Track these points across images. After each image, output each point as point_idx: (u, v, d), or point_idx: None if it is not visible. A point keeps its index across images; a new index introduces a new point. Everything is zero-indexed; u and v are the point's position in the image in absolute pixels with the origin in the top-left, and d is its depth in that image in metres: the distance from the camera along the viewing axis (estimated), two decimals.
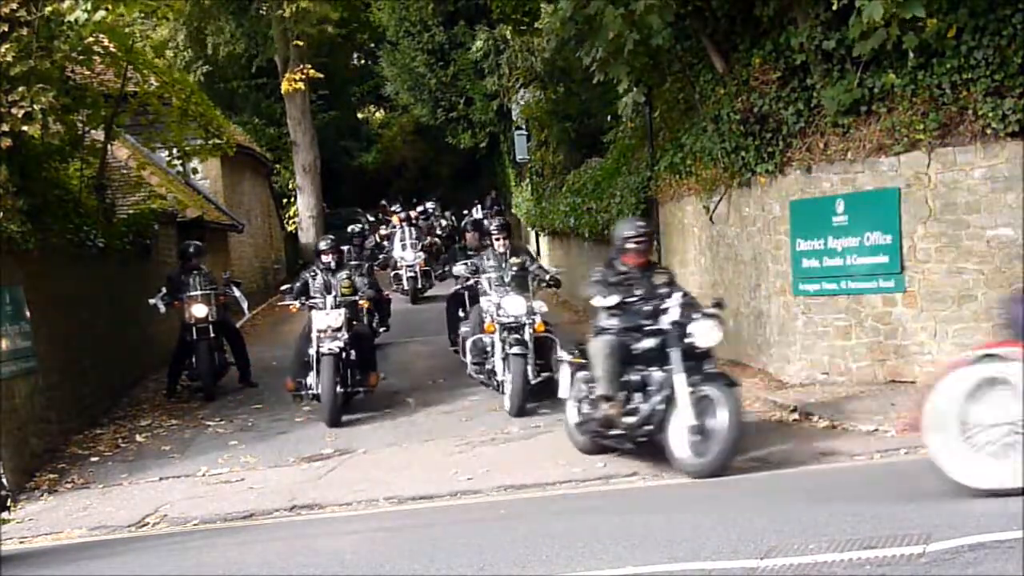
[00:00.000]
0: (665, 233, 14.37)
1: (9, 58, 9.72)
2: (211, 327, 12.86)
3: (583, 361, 8.72)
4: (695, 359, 7.99)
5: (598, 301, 8.45)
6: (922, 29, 8.97)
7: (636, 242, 8.61)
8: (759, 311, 11.51)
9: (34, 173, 10.94)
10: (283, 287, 12.15)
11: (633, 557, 5.28)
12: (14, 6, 9.91)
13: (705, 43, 11.83)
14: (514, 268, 11.40)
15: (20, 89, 9.75)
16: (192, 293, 12.93)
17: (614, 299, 8.38)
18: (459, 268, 12.37)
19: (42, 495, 9.28)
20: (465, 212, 31.11)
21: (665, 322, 8.12)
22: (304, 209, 28.52)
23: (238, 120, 28.51)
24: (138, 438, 11.19)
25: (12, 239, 9.85)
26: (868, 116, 10.02)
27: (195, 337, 12.80)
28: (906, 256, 9.84)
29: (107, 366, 12.71)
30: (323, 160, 29.44)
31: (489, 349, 11.13)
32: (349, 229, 20.93)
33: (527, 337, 10.66)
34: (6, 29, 9.88)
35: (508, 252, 11.80)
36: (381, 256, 21.18)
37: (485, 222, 19.08)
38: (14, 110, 9.70)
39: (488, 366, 11.20)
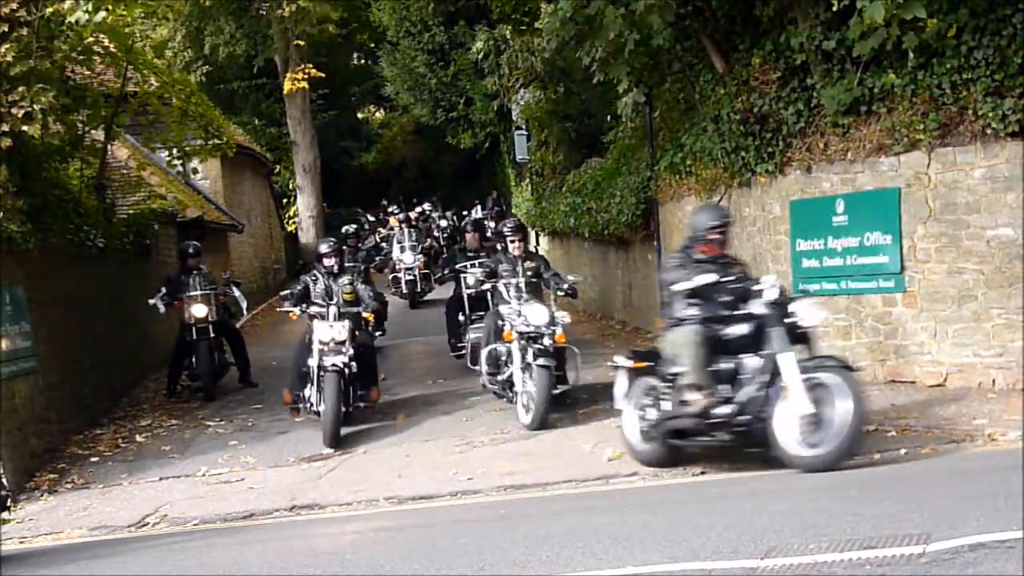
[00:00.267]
0: (665, 233, 14.37)
1: (9, 58, 9.72)
2: (211, 327, 12.86)
3: (647, 364, 8.26)
4: (797, 342, 7.48)
5: (683, 284, 7.87)
6: (922, 29, 8.97)
7: (719, 232, 8.11)
8: None
9: (34, 173, 10.94)
10: (283, 292, 11.52)
11: (633, 557, 5.28)
12: (14, 6, 9.91)
13: (705, 43, 11.84)
14: (528, 272, 10.91)
15: (20, 89, 9.75)
16: (192, 293, 12.93)
17: (710, 277, 7.76)
18: (473, 274, 11.64)
19: (42, 495, 9.28)
20: (465, 213, 31.09)
21: (759, 305, 7.61)
22: (304, 209, 28.54)
23: (238, 120, 28.52)
24: (138, 438, 11.19)
25: (12, 239, 9.84)
26: (868, 116, 10.03)
27: (195, 337, 12.80)
28: (906, 256, 9.84)
29: (107, 366, 12.71)
30: (323, 160, 29.45)
31: (504, 358, 10.62)
32: (343, 229, 20.62)
33: (548, 347, 10.14)
34: (6, 29, 9.89)
35: (523, 256, 11.22)
36: (378, 258, 20.98)
37: (486, 223, 19.05)
38: (14, 110, 9.69)
39: (502, 376, 10.65)
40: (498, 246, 16.68)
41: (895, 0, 8.60)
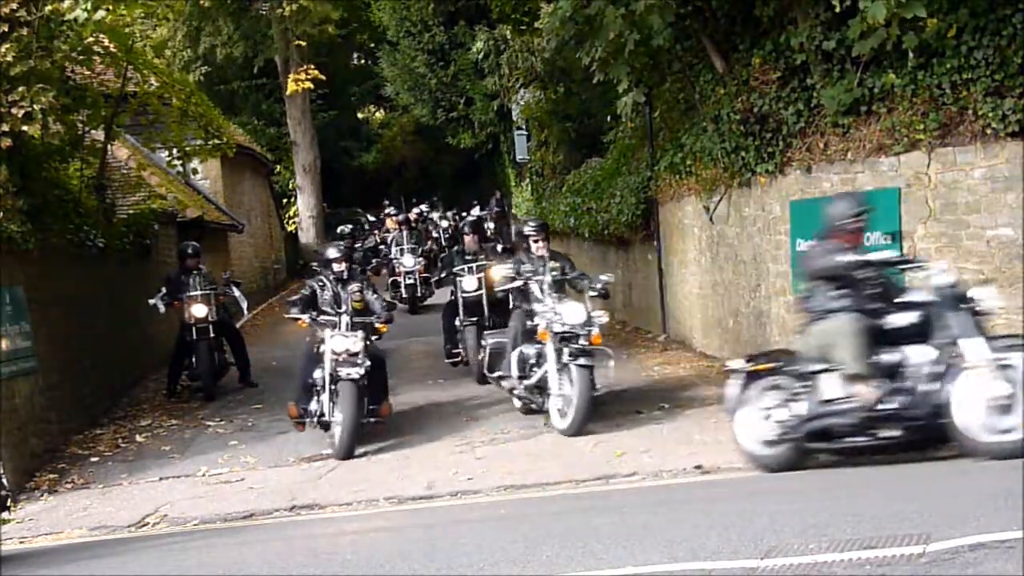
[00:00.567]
0: (665, 233, 14.38)
1: (9, 58, 9.72)
2: (211, 327, 12.86)
3: (771, 365, 7.93)
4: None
5: (852, 257, 7.48)
6: (922, 29, 8.97)
7: (861, 220, 7.83)
8: (759, 311, 11.51)
9: (34, 173, 10.94)
10: (290, 299, 11.13)
11: (633, 557, 5.28)
12: (14, 6, 9.91)
13: (705, 43, 11.84)
14: (553, 273, 10.28)
15: (20, 89, 9.75)
16: (192, 293, 12.92)
17: (869, 255, 7.46)
18: (502, 272, 10.72)
19: (42, 495, 9.28)
20: (465, 213, 31.05)
21: (923, 293, 7.33)
22: (304, 209, 28.54)
23: (238, 121, 28.51)
24: (138, 438, 11.19)
25: (12, 239, 9.84)
26: (868, 116, 10.02)
27: (195, 337, 12.79)
28: (906, 256, 9.82)
29: (107, 366, 12.71)
30: (323, 160, 29.45)
31: (533, 361, 10.03)
32: (339, 229, 20.27)
33: (585, 347, 9.59)
34: (6, 29, 9.89)
35: (547, 256, 10.59)
36: (375, 260, 20.82)
37: (485, 223, 18.92)
38: (14, 110, 9.70)
39: (531, 380, 10.03)
40: (498, 247, 16.63)
41: None
